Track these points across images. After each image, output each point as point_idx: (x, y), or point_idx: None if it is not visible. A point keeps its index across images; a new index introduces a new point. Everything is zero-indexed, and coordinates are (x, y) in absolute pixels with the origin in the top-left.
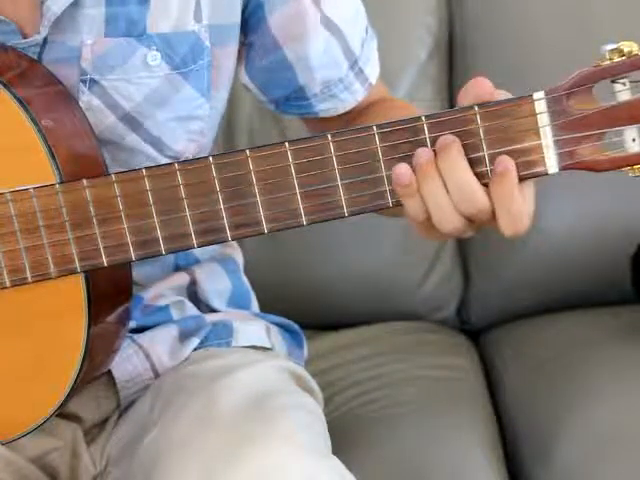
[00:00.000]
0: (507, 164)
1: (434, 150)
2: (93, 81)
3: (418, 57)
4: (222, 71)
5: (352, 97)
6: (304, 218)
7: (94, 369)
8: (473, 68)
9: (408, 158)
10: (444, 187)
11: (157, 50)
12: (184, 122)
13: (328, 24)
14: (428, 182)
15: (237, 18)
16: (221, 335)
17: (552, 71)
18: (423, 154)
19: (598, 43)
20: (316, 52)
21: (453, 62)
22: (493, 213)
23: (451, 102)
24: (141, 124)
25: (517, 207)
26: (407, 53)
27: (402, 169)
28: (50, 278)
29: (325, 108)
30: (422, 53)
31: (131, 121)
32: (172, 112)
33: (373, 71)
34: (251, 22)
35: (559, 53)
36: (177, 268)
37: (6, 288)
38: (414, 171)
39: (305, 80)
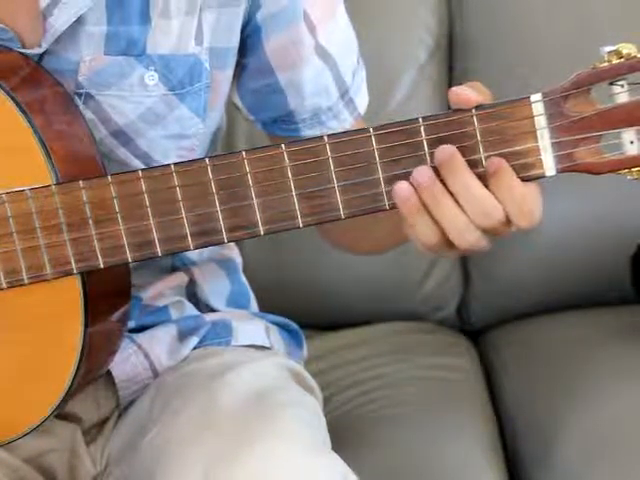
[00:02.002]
0: (499, 162)
1: (433, 167)
2: (88, 95)
3: (418, 57)
4: (219, 93)
5: (340, 125)
6: (300, 220)
7: (93, 370)
8: (473, 68)
9: (404, 160)
10: (458, 206)
11: (155, 70)
12: (176, 140)
13: (322, 53)
14: (441, 204)
15: (236, 41)
16: (220, 334)
17: (552, 71)
18: (424, 173)
19: (599, 43)
20: (308, 79)
21: (453, 62)
22: (508, 220)
23: None
24: (132, 140)
25: (525, 200)
26: (407, 53)
27: (402, 184)
28: (46, 279)
29: (312, 134)
30: (422, 53)
31: (122, 136)
32: (165, 130)
33: (362, 101)
34: (247, 44)
35: (559, 53)
36: (174, 270)
37: (2, 289)
38: (419, 193)
39: (295, 105)
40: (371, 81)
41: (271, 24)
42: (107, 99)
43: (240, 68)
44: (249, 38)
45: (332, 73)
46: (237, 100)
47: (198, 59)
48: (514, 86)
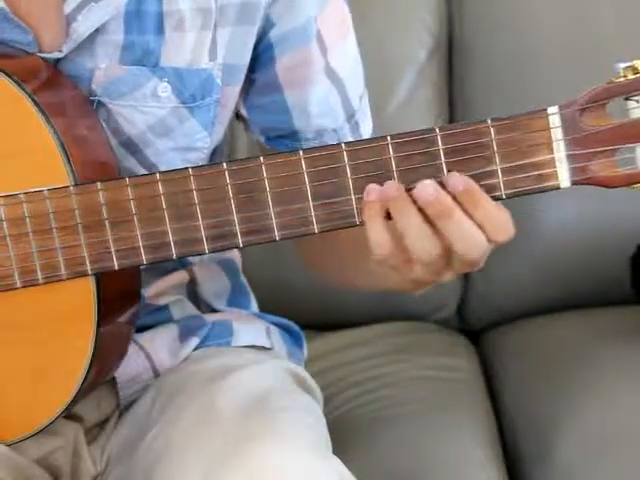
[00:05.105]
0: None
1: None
2: (101, 103)
3: (417, 57)
4: (227, 107)
5: None
6: (316, 226)
7: (102, 372)
8: (472, 68)
9: (421, 169)
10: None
11: (168, 82)
12: (183, 152)
13: (331, 75)
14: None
15: (248, 58)
16: (221, 335)
17: (552, 71)
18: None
19: (599, 43)
20: (316, 99)
21: (453, 62)
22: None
23: (450, 102)
24: (141, 150)
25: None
26: (407, 53)
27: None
28: (61, 280)
29: None
30: (421, 53)
31: (131, 146)
32: (173, 142)
33: (367, 126)
34: (258, 61)
35: (560, 53)
36: (174, 270)
37: (17, 289)
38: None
39: (300, 125)
40: (371, 81)
41: (284, 43)
42: (119, 108)
43: (248, 83)
44: (261, 55)
45: (340, 96)
46: (243, 112)
47: (210, 74)
48: (514, 87)
